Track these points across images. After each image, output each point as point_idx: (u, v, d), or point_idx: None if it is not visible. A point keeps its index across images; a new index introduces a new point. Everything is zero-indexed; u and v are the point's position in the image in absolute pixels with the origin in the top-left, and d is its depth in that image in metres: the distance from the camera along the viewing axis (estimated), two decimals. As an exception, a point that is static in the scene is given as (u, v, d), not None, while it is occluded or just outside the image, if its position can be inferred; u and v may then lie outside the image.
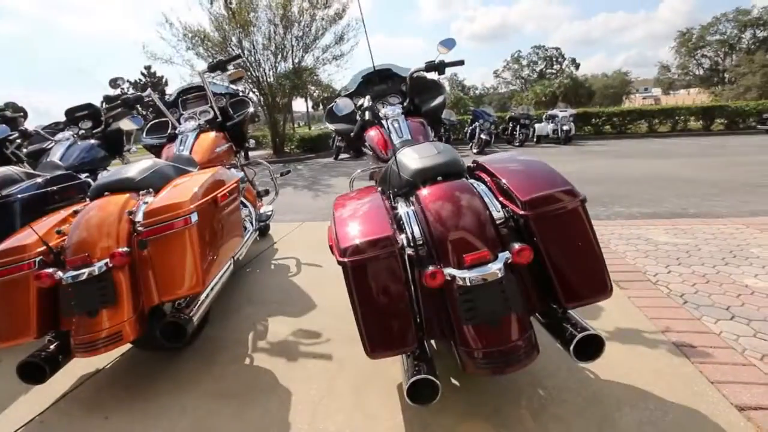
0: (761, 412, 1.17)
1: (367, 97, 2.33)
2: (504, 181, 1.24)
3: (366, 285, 1.09)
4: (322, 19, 10.08)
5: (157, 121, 2.73)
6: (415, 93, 2.47)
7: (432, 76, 2.79)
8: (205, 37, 9.84)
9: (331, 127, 2.53)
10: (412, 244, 1.19)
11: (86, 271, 1.25)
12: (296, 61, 10.53)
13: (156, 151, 2.60)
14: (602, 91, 33.15)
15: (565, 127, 11.63)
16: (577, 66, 33.01)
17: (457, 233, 1.13)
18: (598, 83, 34.73)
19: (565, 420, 1.17)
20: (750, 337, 1.53)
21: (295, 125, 18.66)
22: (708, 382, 1.29)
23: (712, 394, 1.24)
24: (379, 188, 1.54)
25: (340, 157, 9.75)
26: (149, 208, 1.37)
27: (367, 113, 2.18)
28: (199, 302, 1.48)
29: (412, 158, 1.38)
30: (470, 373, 1.09)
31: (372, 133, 2.24)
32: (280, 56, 10.34)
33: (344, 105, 2.19)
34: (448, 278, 1.05)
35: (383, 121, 2.22)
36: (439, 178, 1.30)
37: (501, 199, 1.25)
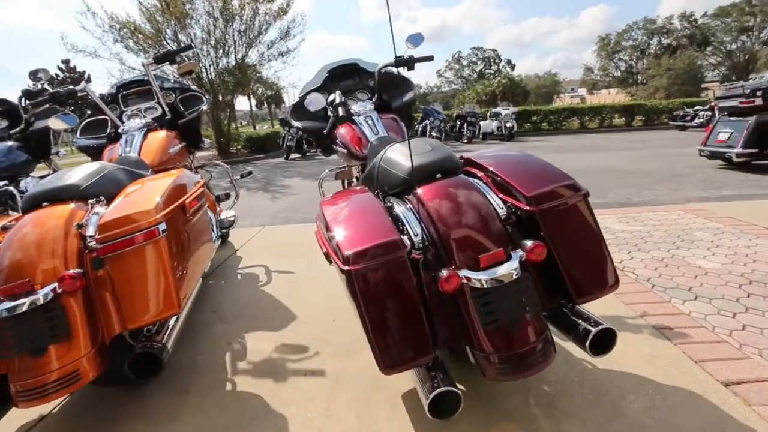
0: (743, 386, 1.25)
1: (338, 92, 2.21)
2: (502, 176, 1.21)
3: (375, 294, 1.00)
4: (266, 13, 9.62)
5: (92, 119, 2.39)
6: (384, 89, 2.39)
7: (400, 71, 2.73)
8: (136, 29, 8.93)
9: (298, 125, 2.38)
10: (417, 247, 1.12)
11: (27, 300, 1.03)
12: (239, 56, 9.96)
13: (93, 153, 2.27)
14: (536, 91, 35.40)
15: (508, 124, 12.23)
16: (513, 67, 35.01)
17: (467, 233, 1.07)
18: (532, 83, 37.07)
19: (576, 415, 1.17)
20: (715, 315, 1.66)
21: (238, 125, 17.75)
22: (693, 362, 1.37)
23: (698, 373, 1.32)
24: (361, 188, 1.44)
25: (291, 156, 9.41)
26: (104, 219, 1.16)
27: (340, 109, 2.07)
28: (170, 326, 1.29)
29: (405, 155, 1.29)
30: (491, 380, 1.04)
31: (343, 131, 2.13)
32: (221, 51, 9.71)
33: (316, 101, 2.06)
34: (464, 281, 0.99)
35: (355, 118, 2.13)
36: (438, 175, 1.24)
37: (501, 195, 1.21)
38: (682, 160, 6.10)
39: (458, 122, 12.54)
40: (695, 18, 34.58)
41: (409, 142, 1.29)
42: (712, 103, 11.52)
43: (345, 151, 2.09)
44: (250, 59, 10.18)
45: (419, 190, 1.19)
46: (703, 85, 30.39)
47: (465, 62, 41.75)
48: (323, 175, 2.54)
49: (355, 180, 2.28)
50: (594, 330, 1.03)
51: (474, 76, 40.45)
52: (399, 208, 1.22)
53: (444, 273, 1.00)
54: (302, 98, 2.43)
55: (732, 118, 4.79)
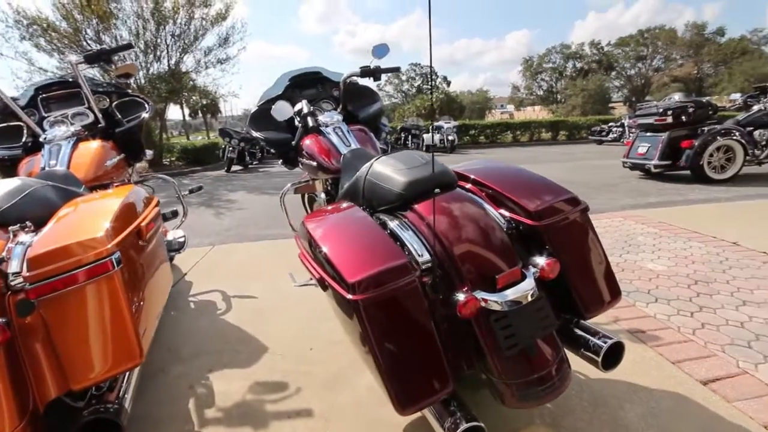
0: (719, 383, 1.32)
1: (304, 102, 2.08)
2: (500, 190, 1.18)
3: (387, 325, 0.89)
4: (202, 18, 9.05)
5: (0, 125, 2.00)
6: (349, 99, 2.31)
7: (366, 82, 2.65)
8: (49, 26, 7.88)
9: (259, 135, 2.20)
10: (423, 269, 1.03)
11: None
12: (173, 62, 9.22)
13: (4, 167, 1.89)
14: (470, 106, 37.49)
15: (450, 137, 12.74)
16: (449, 83, 36.88)
17: (479, 251, 1.01)
18: (467, 99, 39.25)
19: (581, 430, 1.15)
20: (677, 316, 1.77)
21: (169, 135, 16.44)
22: (671, 364, 1.43)
23: (678, 374, 1.38)
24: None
25: (232, 169, 8.88)
26: (35, 251, 0.92)
27: (309, 119, 1.94)
28: (125, 379, 1.06)
29: (398, 169, 1.21)
30: (511, 407, 0.98)
31: (310, 142, 2.00)
32: (152, 56, 8.91)
33: (283, 109, 1.92)
34: (482, 304, 0.93)
35: (323, 129, 2.01)
36: (437, 190, 1.17)
37: (499, 210, 1.18)
38: (609, 171, 6.74)
39: (403, 135, 12.81)
40: (602, 46, 39.21)
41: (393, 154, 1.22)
42: (623, 120, 13.07)
43: (313, 163, 1.96)
44: (185, 66, 9.50)
45: (419, 207, 1.12)
46: (611, 105, 34.64)
47: (404, 77, 43.14)
48: (286, 189, 2.37)
49: (322, 195, 2.14)
50: (606, 345, 1.02)
51: (413, 90, 41.94)
52: (393, 226, 1.13)
53: (461, 297, 0.92)
54: (262, 107, 2.26)
55: (648, 134, 5.40)
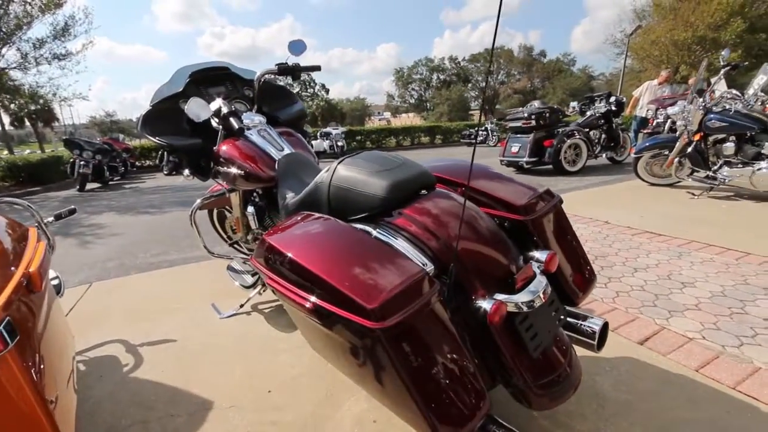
0: (651, 341, 1.54)
1: (220, 100, 1.77)
2: (480, 189, 1.16)
3: (418, 350, 0.78)
4: (27, 2, 7.10)
5: None
6: (264, 100, 2.07)
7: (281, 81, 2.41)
8: None
9: (160, 140, 1.81)
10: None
11: None
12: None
13: None
14: (350, 114, 38.43)
15: (339, 143, 12.78)
16: (327, 91, 37.03)
17: (490, 252, 0.97)
18: (346, 106, 40.13)
19: (574, 412, 1.20)
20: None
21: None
22: (611, 332, 1.61)
23: (621, 340, 1.56)
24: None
25: (87, 187, 7.22)
26: None
27: (232, 121, 1.65)
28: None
29: (374, 172, 1.09)
30: (540, 409, 0.95)
31: (230, 147, 1.73)
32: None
33: (199, 109, 1.60)
34: (509, 308, 0.88)
35: (246, 133, 1.75)
36: (423, 191, 1.09)
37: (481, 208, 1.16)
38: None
39: (291, 142, 12.34)
40: (458, 61, 44.46)
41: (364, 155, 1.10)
42: (486, 125, 14.97)
43: (237, 172, 1.68)
44: (4, 61, 7.33)
45: (408, 210, 1.02)
46: (470, 112, 39.61)
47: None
48: (196, 206, 2.01)
49: (250, 208, 1.86)
50: (599, 327, 1.07)
51: (292, 97, 41.06)
52: (378, 235, 1.01)
53: (485, 303, 0.86)
54: (157, 107, 1.86)
55: (518, 135, 6.26)
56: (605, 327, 1.10)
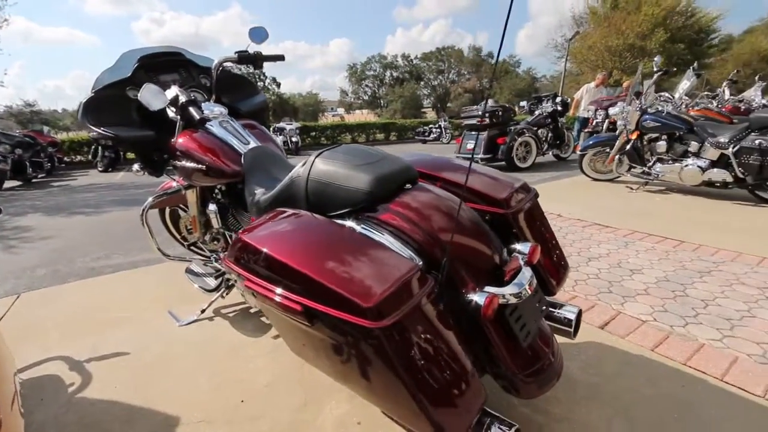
0: (610, 326, 1.65)
1: (176, 87, 1.63)
2: (461, 183, 1.16)
3: (418, 347, 0.76)
4: None
5: None
6: (222, 90, 1.95)
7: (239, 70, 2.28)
8: None
9: (103, 132, 1.64)
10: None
11: None
12: None
13: None
14: (303, 109, 37.58)
15: (294, 139, 12.46)
16: (279, 85, 35.88)
17: (478, 246, 0.97)
18: (299, 101, 39.20)
19: (549, 396, 1.25)
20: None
21: None
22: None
23: (583, 326, 1.64)
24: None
25: (5, 185, 6.38)
26: None
27: (192, 111, 1.52)
28: None
29: (355, 165, 1.05)
30: (529, 398, 0.97)
31: (189, 140, 1.61)
32: None
33: (155, 96, 1.46)
34: (501, 300, 0.88)
35: (208, 125, 1.63)
36: (408, 185, 1.07)
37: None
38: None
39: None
40: (411, 59, 45.02)
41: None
42: (440, 122, 15.31)
43: (200, 167, 1.57)
44: None
45: (393, 205, 1.00)
46: (423, 110, 40.33)
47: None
48: (147, 204, 1.85)
49: (212, 206, 1.74)
50: (574, 315, 1.12)
51: (239, 90, 39.25)
52: (362, 230, 0.98)
53: (477, 297, 0.86)
54: (100, 94, 1.68)
55: (473, 133, 6.45)
56: (579, 314, 1.15)
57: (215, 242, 2.00)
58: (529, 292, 0.92)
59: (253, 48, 1.79)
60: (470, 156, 1.24)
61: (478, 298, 0.86)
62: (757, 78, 6.73)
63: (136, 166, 1.81)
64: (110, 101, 1.70)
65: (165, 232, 2.20)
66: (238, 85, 2.07)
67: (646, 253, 2.42)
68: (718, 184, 3.64)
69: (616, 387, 1.29)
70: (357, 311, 0.73)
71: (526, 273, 0.95)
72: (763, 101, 6.18)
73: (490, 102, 6.81)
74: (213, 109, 1.72)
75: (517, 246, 1.05)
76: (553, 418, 1.16)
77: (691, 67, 4.88)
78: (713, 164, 3.65)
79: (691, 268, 2.19)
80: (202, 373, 1.42)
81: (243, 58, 1.75)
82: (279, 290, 0.85)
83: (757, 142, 3.29)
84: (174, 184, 1.99)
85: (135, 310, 1.91)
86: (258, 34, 1.80)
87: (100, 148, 8.67)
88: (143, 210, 1.84)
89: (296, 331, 0.94)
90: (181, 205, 2.25)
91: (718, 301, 1.80)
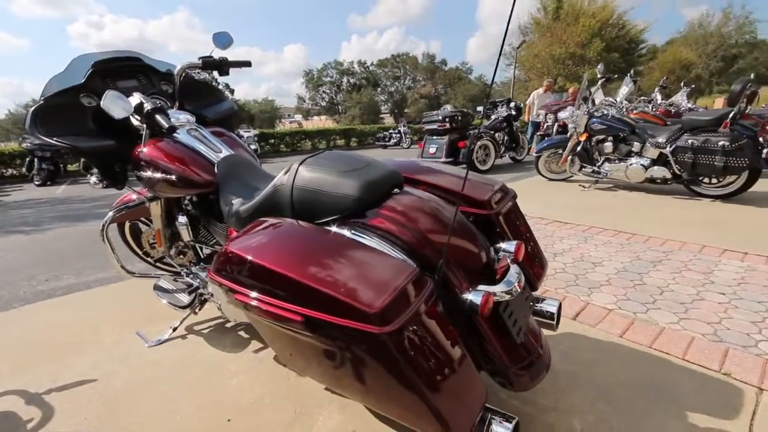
0: (581, 316, 1.75)
1: (138, 94, 1.54)
2: (444, 186, 1.20)
3: (423, 350, 0.78)
4: None
5: None
6: (185, 97, 1.88)
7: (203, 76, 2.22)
8: None
9: (57, 142, 1.52)
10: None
11: None
12: None
13: None
14: (259, 116, 36.68)
15: (252, 146, 12.09)
16: (232, 91, 34.77)
17: (469, 246, 1.00)
18: (254, 108, 38.23)
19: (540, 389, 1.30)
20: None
21: None
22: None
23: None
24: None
25: None
26: None
27: (159, 118, 1.44)
28: None
29: (343, 172, 1.05)
30: (523, 390, 1.00)
31: (152, 149, 1.53)
32: None
33: (120, 104, 1.37)
34: (496, 298, 0.91)
35: (175, 134, 1.56)
36: (396, 190, 1.08)
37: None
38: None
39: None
40: (367, 65, 45.41)
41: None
42: (399, 128, 15.53)
43: (170, 177, 1.49)
44: None
45: (383, 210, 1.01)
46: (381, 115, 40.73)
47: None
48: (108, 218, 1.74)
49: (182, 218, 1.66)
50: (555, 308, 1.18)
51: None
52: (352, 236, 0.99)
53: (473, 296, 0.89)
54: (51, 101, 1.55)
55: (435, 137, 6.61)
56: (560, 307, 1.22)
57: (181, 256, 1.91)
58: (519, 289, 0.96)
59: (217, 53, 1.74)
60: (433, 160, 1.28)
61: (474, 297, 0.88)
62: (682, 84, 7.48)
63: (93, 179, 1.68)
64: (62, 109, 1.57)
65: (125, 248, 2.06)
66: (202, 92, 2.00)
67: (604, 247, 2.60)
68: (659, 181, 3.98)
69: (593, 373, 1.37)
70: (362, 318, 0.73)
71: (515, 271, 0.99)
72: (689, 105, 6.87)
73: (448, 107, 7.02)
74: (179, 117, 1.65)
75: (503, 245, 1.09)
76: (541, 408, 1.21)
77: (628, 74, 5.33)
78: (654, 162, 4.00)
79: (645, 258, 2.37)
80: (182, 396, 1.33)
81: (208, 63, 1.70)
82: (276, 302, 0.83)
83: (689, 141, 3.64)
84: (134, 196, 1.88)
85: (97, 333, 1.76)
86: (222, 39, 1.76)
87: (36, 160, 7.97)
88: (103, 225, 1.71)
89: (293, 343, 0.91)
90: (143, 219, 2.13)
91: (671, 287, 1.97)
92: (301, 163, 1.09)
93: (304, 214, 1.05)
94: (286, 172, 1.11)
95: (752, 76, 5.45)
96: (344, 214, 1.01)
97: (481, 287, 0.92)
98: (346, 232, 0.99)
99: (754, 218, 3.13)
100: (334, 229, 1.00)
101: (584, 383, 1.32)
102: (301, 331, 0.81)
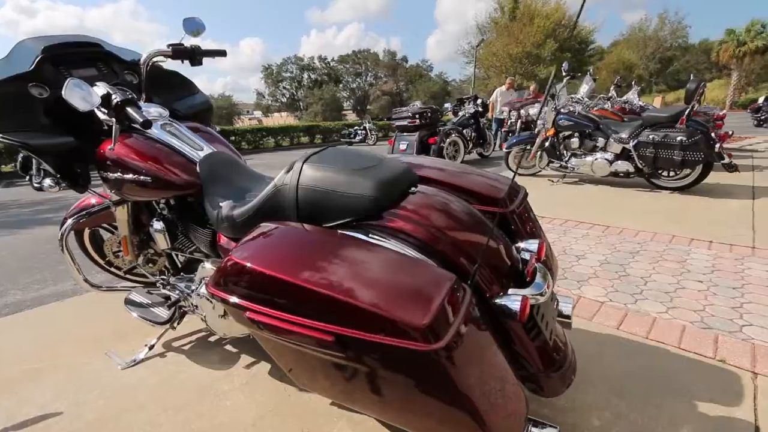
0: (575, 309, 1.76)
1: (104, 84, 1.36)
2: (457, 184, 1.15)
3: (469, 362, 0.71)
4: None
5: None
6: (153, 88, 1.70)
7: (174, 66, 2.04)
8: None
9: (5, 140, 1.29)
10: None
11: None
12: None
13: None
14: (216, 112, 35.10)
15: (211, 144, 11.53)
16: (186, 85, 33.12)
17: (498, 248, 0.94)
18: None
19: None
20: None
21: None
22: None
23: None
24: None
25: None
26: None
27: (131, 111, 1.27)
28: None
29: (354, 170, 0.96)
30: (554, 396, 0.97)
31: (122, 147, 1.37)
32: None
33: (87, 93, 1.19)
34: (533, 302, 0.87)
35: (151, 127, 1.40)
36: (413, 189, 1.01)
37: None
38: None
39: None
40: (328, 61, 44.75)
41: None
42: (365, 124, 15.40)
43: (144, 178, 1.34)
44: None
45: (406, 212, 0.93)
46: (343, 112, 40.36)
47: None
48: (68, 226, 1.54)
49: (158, 223, 1.49)
50: (570, 306, 1.16)
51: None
52: (375, 242, 0.91)
53: (508, 301, 0.83)
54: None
55: (405, 134, 6.58)
56: (573, 305, 1.20)
57: (150, 264, 1.73)
58: (548, 291, 0.92)
59: (188, 41, 1.58)
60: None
61: (509, 302, 0.83)
62: (633, 83, 7.95)
63: (48, 181, 1.47)
64: (7, 101, 1.35)
65: (84, 258, 1.84)
66: (172, 84, 1.81)
67: (584, 239, 2.67)
68: (622, 174, 4.18)
69: (600, 366, 1.38)
70: (407, 335, 0.65)
71: (544, 273, 0.95)
72: (640, 102, 7.31)
73: (417, 104, 7.02)
74: (150, 110, 1.48)
75: (522, 244, 1.05)
76: (559, 409, 1.19)
77: (588, 73, 5.56)
78: (617, 157, 4.19)
79: (623, 249, 2.46)
80: (170, 424, 1.19)
81: (178, 52, 1.54)
82: (301, 320, 0.73)
83: (650, 137, 3.85)
84: (94, 200, 1.68)
85: (57, 357, 1.55)
86: (192, 25, 1.60)
87: None
88: (63, 234, 1.51)
89: (311, 361, 0.82)
90: (106, 225, 1.90)
91: (653, 277, 2.05)
92: (304, 161, 0.99)
93: (311, 216, 0.95)
94: (287, 171, 1.00)
95: (692, 76, 5.89)
96: (358, 216, 0.92)
97: (512, 291, 0.87)
98: (363, 237, 0.91)
99: (710, 208, 3.36)
100: (347, 233, 0.92)
101: (594, 377, 1.32)
102: (330, 351, 0.72)
